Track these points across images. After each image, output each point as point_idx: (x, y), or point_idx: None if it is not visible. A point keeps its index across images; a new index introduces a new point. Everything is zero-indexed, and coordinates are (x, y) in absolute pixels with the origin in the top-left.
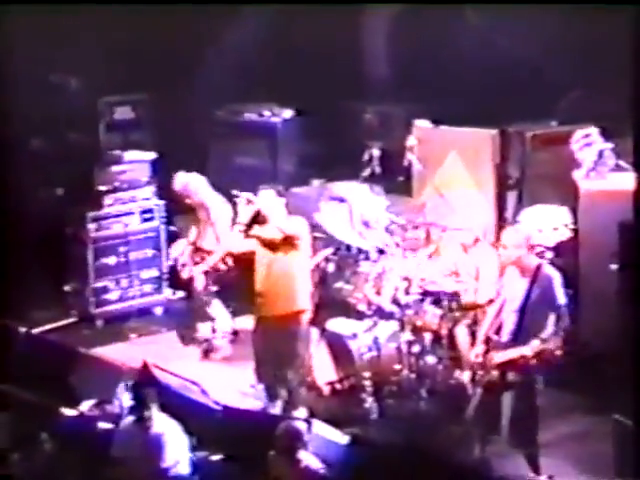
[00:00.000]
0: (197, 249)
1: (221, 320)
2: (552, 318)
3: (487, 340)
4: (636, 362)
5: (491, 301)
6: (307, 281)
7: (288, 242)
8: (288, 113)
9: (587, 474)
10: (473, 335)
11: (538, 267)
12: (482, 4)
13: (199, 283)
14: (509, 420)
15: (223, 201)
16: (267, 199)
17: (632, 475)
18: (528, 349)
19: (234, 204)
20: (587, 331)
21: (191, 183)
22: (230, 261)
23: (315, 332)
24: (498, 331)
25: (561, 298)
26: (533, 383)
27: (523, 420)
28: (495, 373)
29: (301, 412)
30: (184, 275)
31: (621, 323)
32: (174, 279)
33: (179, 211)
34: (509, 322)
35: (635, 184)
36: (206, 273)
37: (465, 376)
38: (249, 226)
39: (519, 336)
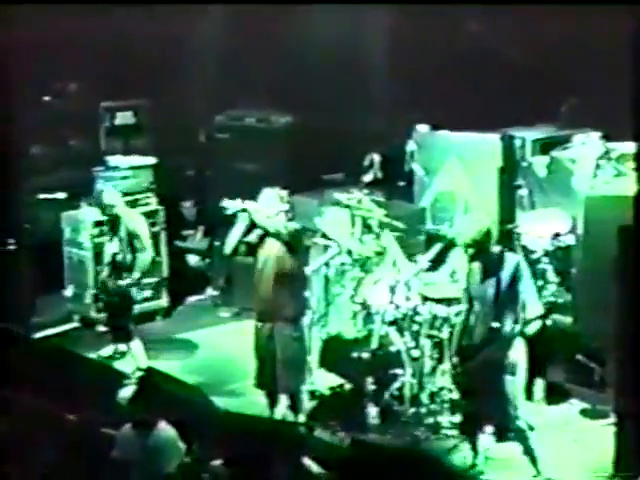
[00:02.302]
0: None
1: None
2: (525, 304)
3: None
4: (636, 365)
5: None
6: (307, 286)
7: (289, 249)
8: (288, 118)
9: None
10: None
11: (500, 257)
12: (482, 8)
13: None
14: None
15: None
16: (266, 205)
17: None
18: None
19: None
20: (587, 335)
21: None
22: None
23: (315, 337)
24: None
25: (528, 282)
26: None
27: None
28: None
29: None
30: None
31: (621, 328)
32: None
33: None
34: (484, 319)
35: (636, 188)
36: None
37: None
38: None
39: (496, 332)
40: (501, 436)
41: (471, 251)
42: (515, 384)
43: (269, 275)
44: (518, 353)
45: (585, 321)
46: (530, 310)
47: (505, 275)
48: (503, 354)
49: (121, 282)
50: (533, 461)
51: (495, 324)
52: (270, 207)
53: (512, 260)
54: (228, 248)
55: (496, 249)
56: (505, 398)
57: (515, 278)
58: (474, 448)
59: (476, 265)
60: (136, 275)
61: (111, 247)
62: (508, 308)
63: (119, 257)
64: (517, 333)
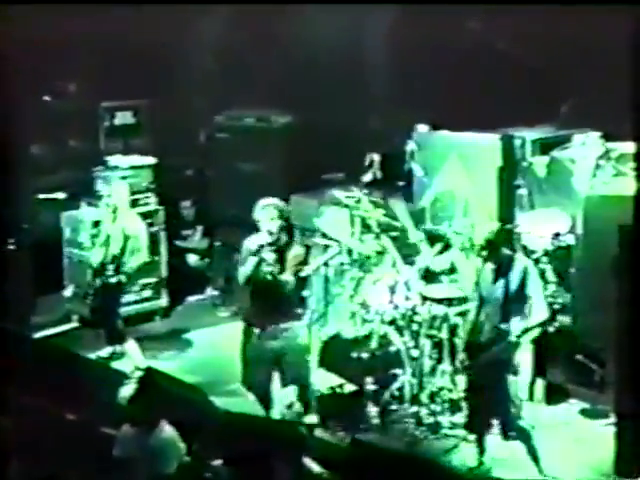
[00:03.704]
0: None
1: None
2: (531, 308)
3: (469, 345)
4: (635, 365)
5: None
6: (307, 287)
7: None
8: (288, 118)
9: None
10: None
11: (510, 259)
12: (482, 7)
13: None
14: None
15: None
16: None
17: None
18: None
19: None
20: (586, 335)
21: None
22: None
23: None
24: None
25: (536, 287)
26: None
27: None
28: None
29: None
30: None
31: (621, 327)
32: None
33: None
34: (492, 320)
35: (636, 188)
36: None
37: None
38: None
39: (502, 331)
40: (505, 435)
41: (484, 253)
42: (519, 384)
43: (273, 281)
44: (523, 354)
45: (585, 321)
46: (536, 314)
47: (514, 277)
48: (508, 355)
49: (110, 282)
50: (535, 460)
51: (502, 325)
52: (270, 223)
53: (521, 263)
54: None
55: (506, 251)
56: (508, 398)
57: (524, 281)
58: (479, 447)
59: (487, 266)
60: (123, 277)
61: (104, 246)
62: (515, 310)
63: (109, 256)
64: (523, 335)
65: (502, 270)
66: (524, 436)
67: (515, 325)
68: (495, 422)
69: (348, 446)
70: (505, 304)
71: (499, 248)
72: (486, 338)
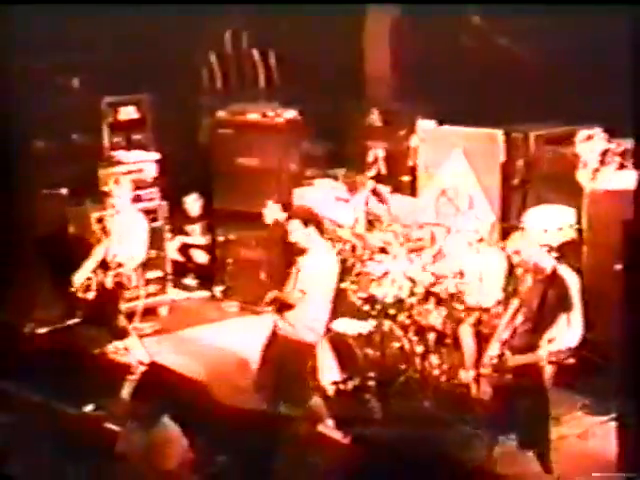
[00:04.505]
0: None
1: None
2: (567, 323)
3: (503, 343)
4: (639, 362)
5: (499, 303)
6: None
7: None
8: (291, 113)
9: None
10: (477, 335)
11: (554, 270)
12: (485, 6)
13: None
14: (521, 421)
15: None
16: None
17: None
18: (543, 354)
19: None
20: (590, 331)
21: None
22: None
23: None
24: (513, 335)
25: (576, 302)
26: (544, 384)
27: (534, 420)
28: (509, 375)
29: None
30: None
31: (625, 323)
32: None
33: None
34: (524, 326)
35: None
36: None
37: (469, 376)
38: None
39: (534, 340)
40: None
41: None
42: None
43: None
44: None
45: (589, 316)
46: (567, 333)
47: (555, 289)
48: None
49: (113, 277)
50: (546, 463)
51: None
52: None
53: (566, 276)
54: None
55: (550, 261)
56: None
57: (561, 295)
58: (488, 443)
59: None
60: (124, 272)
61: (107, 242)
62: (548, 323)
63: (111, 252)
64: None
65: (541, 279)
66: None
67: (545, 338)
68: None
69: (351, 443)
70: (539, 314)
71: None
72: (517, 344)
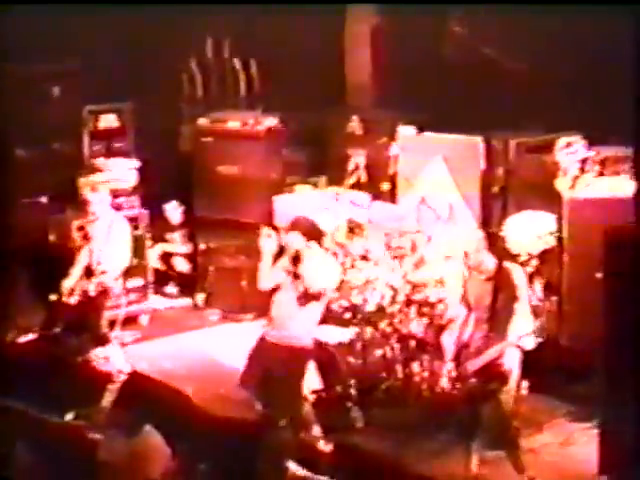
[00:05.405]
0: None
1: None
2: (520, 314)
3: (458, 353)
4: (620, 369)
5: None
6: None
7: None
8: (272, 121)
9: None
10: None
11: (498, 266)
12: (474, 7)
13: None
14: (486, 424)
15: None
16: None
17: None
18: (499, 348)
19: None
20: (572, 338)
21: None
22: None
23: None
24: (470, 339)
25: (524, 292)
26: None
27: (501, 422)
28: (473, 380)
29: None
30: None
31: (606, 331)
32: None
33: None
34: (480, 328)
35: (634, 191)
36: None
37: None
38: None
39: (491, 339)
40: (491, 440)
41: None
42: (508, 393)
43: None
44: (511, 362)
45: (571, 324)
46: (522, 323)
47: (502, 285)
48: (497, 363)
49: (91, 286)
50: (517, 463)
51: (491, 333)
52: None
53: (511, 270)
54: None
55: (492, 258)
56: (497, 404)
57: (512, 288)
58: (467, 450)
59: (474, 274)
60: (106, 280)
61: (89, 250)
62: (503, 318)
63: (94, 260)
64: (511, 343)
65: (488, 278)
66: (510, 440)
67: (503, 332)
68: (482, 426)
69: (333, 451)
70: (492, 311)
71: (486, 255)
72: (475, 345)
